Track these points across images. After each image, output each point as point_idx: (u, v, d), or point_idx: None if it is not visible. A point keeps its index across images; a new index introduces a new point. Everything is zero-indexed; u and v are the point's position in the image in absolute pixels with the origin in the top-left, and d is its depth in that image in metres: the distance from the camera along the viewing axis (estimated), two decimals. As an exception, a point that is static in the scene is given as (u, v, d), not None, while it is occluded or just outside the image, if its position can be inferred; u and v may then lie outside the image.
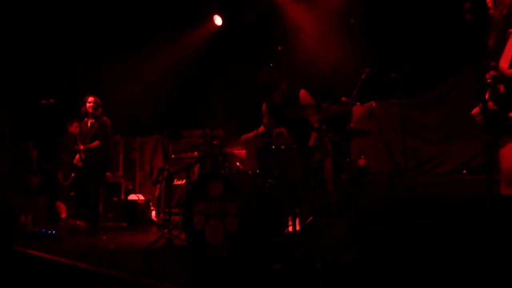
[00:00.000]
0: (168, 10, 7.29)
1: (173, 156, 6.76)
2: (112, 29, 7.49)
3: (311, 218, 3.82)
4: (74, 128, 7.16)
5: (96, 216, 6.10)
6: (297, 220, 3.91)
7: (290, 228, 3.83)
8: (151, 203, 7.32)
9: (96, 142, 6.17)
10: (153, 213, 7.16)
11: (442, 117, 5.58)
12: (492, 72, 2.84)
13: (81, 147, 6.11)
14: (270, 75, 4.38)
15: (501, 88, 2.84)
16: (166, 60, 7.41)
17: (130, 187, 8.32)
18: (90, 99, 6.25)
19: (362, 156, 5.28)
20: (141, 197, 7.56)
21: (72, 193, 6.81)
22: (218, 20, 7.57)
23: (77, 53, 7.51)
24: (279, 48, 4.79)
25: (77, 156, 6.19)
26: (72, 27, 7.44)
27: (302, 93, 4.43)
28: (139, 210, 7.17)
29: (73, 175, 6.78)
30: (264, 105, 4.71)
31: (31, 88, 7.18)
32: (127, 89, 6.78)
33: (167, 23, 7.41)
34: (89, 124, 6.28)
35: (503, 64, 2.83)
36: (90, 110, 6.22)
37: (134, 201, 7.45)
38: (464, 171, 4.98)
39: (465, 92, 5.00)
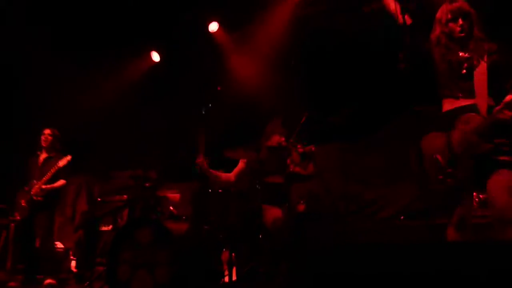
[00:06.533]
0: (97, 46, 6.98)
1: (99, 199, 6.36)
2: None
3: (250, 265, 3.69)
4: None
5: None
6: (233, 269, 3.71)
7: (227, 278, 3.67)
8: (71, 252, 6.70)
9: (61, 182, 5.53)
10: (73, 263, 6.53)
11: (382, 161, 5.70)
12: None
13: (41, 186, 5.33)
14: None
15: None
16: (96, 95, 7.06)
17: (48, 234, 7.65)
18: (46, 131, 5.63)
19: (302, 202, 5.21)
20: (60, 245, 6.94)
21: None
22: (155, 57, 7.39)
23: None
24: (218, 88, 4.77)
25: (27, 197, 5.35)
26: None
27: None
28: (57, 260, 6.53)
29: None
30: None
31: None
32: (52, 123, 6.31)
33: (97, 59, 7.10)
34: (42, 160, 5.56)
35: None
36: (43, 144, 5.55)
37: (51, 250, 6.82)
38: (402, 217, 5.05)
39: (403, 137, 5.15)
